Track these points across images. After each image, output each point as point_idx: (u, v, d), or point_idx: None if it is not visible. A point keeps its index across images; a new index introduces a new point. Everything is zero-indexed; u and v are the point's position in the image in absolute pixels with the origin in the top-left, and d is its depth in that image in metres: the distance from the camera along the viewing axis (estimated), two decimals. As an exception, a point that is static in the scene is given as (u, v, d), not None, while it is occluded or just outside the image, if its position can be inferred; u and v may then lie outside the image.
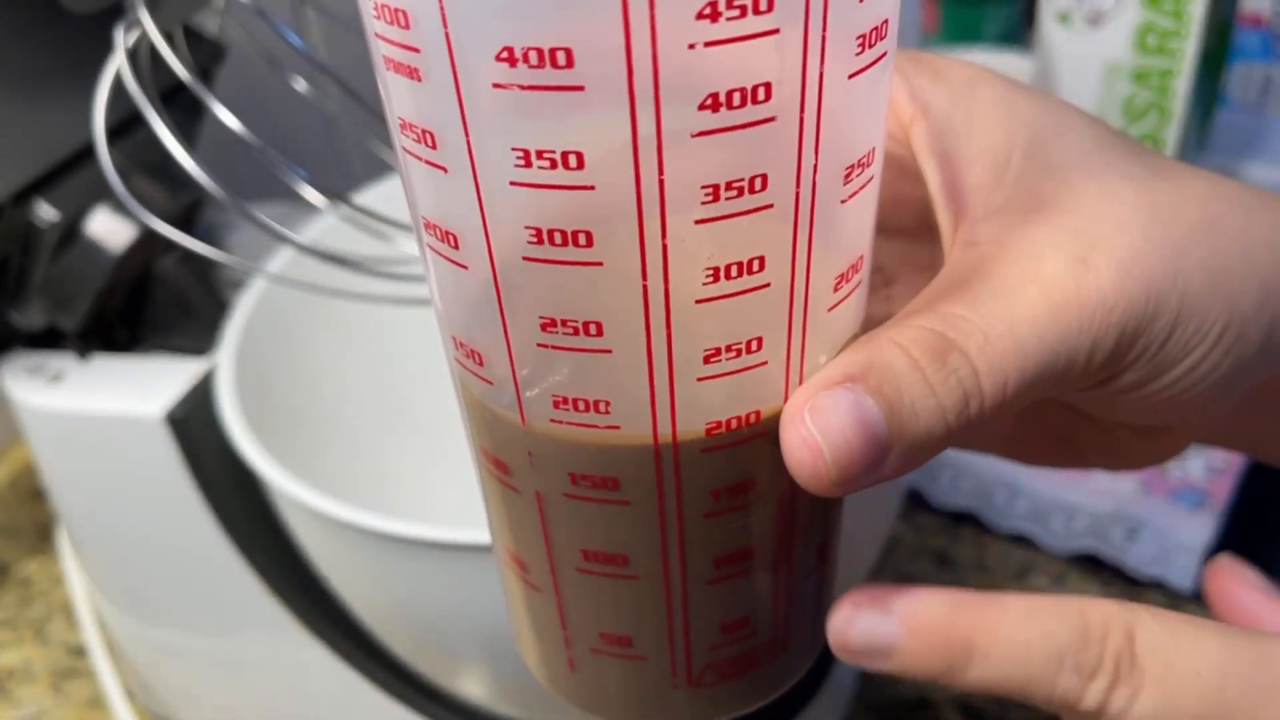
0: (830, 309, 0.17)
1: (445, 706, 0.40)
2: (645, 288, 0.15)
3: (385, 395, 0.45)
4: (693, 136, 0.14)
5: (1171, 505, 0.51)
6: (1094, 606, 0.18)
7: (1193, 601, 0.48)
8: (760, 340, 0.16)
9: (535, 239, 0.15)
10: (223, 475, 0.37)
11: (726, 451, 0.17)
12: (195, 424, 0.36)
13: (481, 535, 0.28)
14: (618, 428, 0.17)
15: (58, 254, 0.38)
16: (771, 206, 0.15)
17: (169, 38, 0.29)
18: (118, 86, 0.30)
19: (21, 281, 0.38)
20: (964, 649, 0.18)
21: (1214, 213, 0.19)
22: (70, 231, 0.38)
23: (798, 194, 0.15)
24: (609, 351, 0.16)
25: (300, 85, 0.36)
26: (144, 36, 0.30)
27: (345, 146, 0.65)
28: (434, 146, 0.15)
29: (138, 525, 0.40)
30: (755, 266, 0.16)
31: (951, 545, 0.52)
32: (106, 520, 0.40)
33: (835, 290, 0.17)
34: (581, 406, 0.17)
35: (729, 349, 0.16)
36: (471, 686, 0.36)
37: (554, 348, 0.16)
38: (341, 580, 0.35)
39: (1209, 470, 0.53)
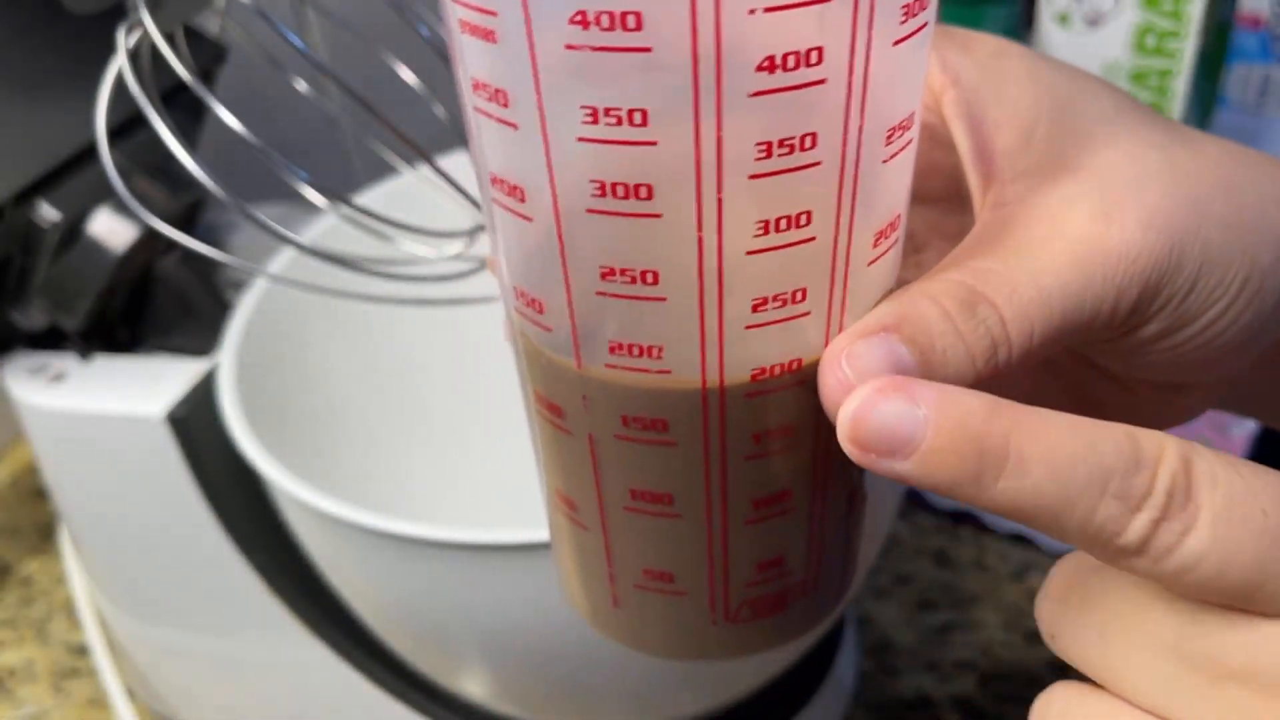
0: (870, 264, 0.18)
1: (445, 705, 0.40)
2: (700, 239, 0.16)
3: (386, 395, 0.45)
4: (749, 96, 0.15)
5: (1170, 505, 0.51)
6: (1146, 432, 0.16)
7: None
8: (805, 291, 0.17)
9: (599, 192, 0.16)
10: (224, 474, 0.37)
11: (769, 397, 0.18)
12: (196, 423, 0.36)
13: (481, 535, 0.28)
14: (669, 372, 0.18)
15: (59, 254, 0.38)
16: (819, 164, 0.16)
17: (170, 38, 0.30)
18: (119, 87, 0.30)
19: (23, 282, 0.38)
20: (997, 454, 0.16)
21: (1230, 174, 0.20)
22: (72, 232, 0.38)
23: (844, 153, 0.16)
24: (664, 300, 0.17)
25: (301, 86, 0.36)
26: (145, 37, 0.30)
27: (347, 147, 0.65)
28: (505, 105, 0.16)
29: (139, 525, 0.40)
30: (802, 221, 0.16)
31: (950, 544, 0.53)
32: (108, 520, 0.41)
33: (875, 246, 0.18)
34: (636, 352, 0.17)
35: (775, 299, 0.17)
36: (471, 685, 0.36)
37: (612, 295, 0.17)
38: (342, 579, 0.35)
39: (1207, 470, 0.53)
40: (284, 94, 0.39)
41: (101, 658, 0.47)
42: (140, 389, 0.37)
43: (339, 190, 0.33)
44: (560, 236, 0.17)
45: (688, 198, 0.16)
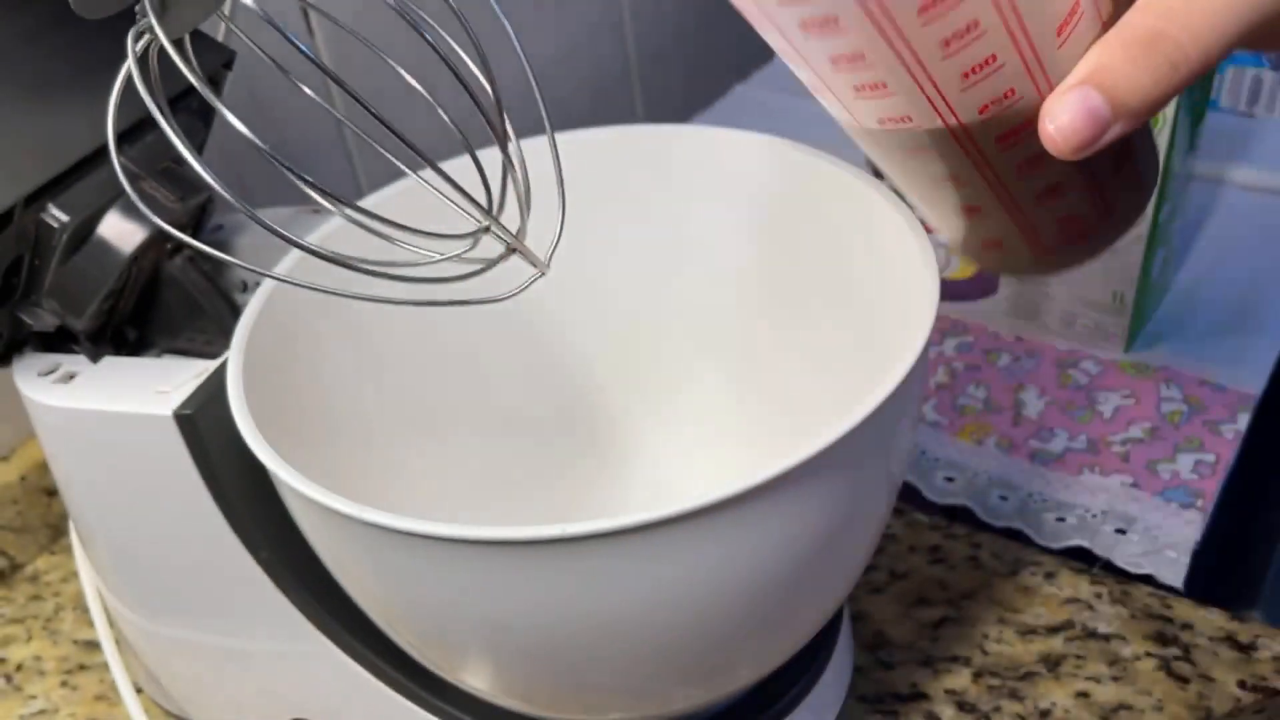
0: (1059, 48, 0.25)
1: (449, 700, 0.41)
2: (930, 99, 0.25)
3: (392, 393, 0.46)
4: None
5: (1162, 503, 0.52)
6: None
7: (1184, 598, 0.49)
8: (1012, 90, 0.25)
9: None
10: (231, 472, 0.37)
11: (1018, 147, 0.27)
12: (204, 421, 0.36)
13: (488, 531, 0.29)
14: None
15: (68, 255, 0.38)
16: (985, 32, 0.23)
17: (178, 43, 0.30)
18: (129, 90, 0.30)
19: (33, 283, 0.39)
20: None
21: None
22: (80, 233, 0.38)
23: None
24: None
25: (307, 90, 0.37)
26: (154, 42, 0.31)
27: (351, 150, 0.65)
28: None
29: (147, 522, 0.40)
30: (990, 62, 0.24)
31: (945, 542, 0.53)
32: (116, 517, 0.41)
33: (1059, 35, 0.24)
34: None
35: (994, 102, 0.25)
36: (475, 681, 0.37)
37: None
38: (349, 576, 0.36)
39: (1199, 468, 0.54)
40: (289, 98, 0.40)
41: (110, 654, 0.48)
42: (149, 387, 0.38)
43: (344, 193, 0.33)
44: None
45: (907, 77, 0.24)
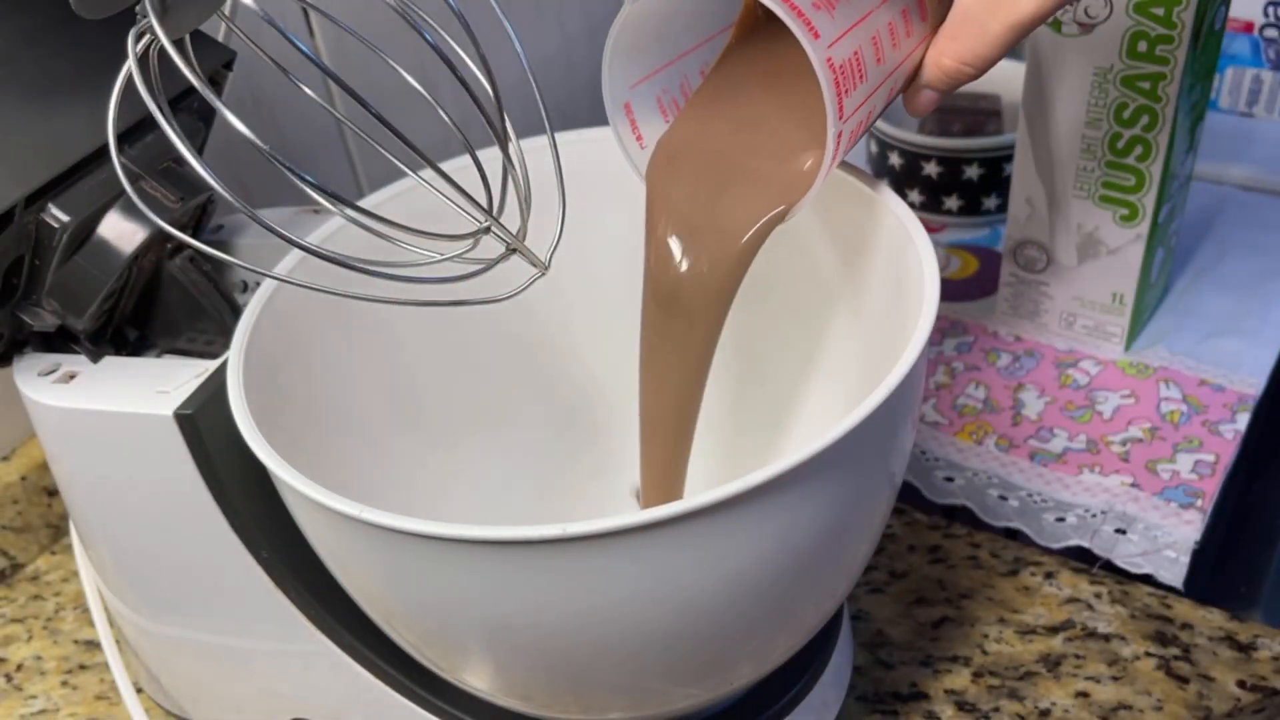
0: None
1: (449, 700, 0.41)
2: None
3: (393, 393, 0.46)
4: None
5: (1162, 503, 0.52)
6: None
7: (1184, 598, 0.49)
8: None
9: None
10: (231, 472, 0.37)
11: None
12: (205, 421, 0.36)
13: (488, 531, 0.29)
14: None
15: (68, 255, 0.39)
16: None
17: (179, 43, 0.30)
18: (129, 90, 0.30)
19: (33, 283, 0.39)
20: None
21: None
22: (80, 233, 0.38)
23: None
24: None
25: (307, 91, 0.37)
26: (154, 42, 0.31)
27: (351, 150, 0.65)
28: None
29: (147, 522, 0.40)
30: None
31: (945, 541, 0.53)
32: (116, 517, 0.41)
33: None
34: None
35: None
36: (475, 680, 0.37)
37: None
38: (348, 575, 0.36)
39: (1198, 468, 0.54)
40: (289, 98, 0.40)
41: (110, 654, 0.48)
42: (149, 387, 0.38)
43: (344, 193, 0.33)
44: None
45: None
